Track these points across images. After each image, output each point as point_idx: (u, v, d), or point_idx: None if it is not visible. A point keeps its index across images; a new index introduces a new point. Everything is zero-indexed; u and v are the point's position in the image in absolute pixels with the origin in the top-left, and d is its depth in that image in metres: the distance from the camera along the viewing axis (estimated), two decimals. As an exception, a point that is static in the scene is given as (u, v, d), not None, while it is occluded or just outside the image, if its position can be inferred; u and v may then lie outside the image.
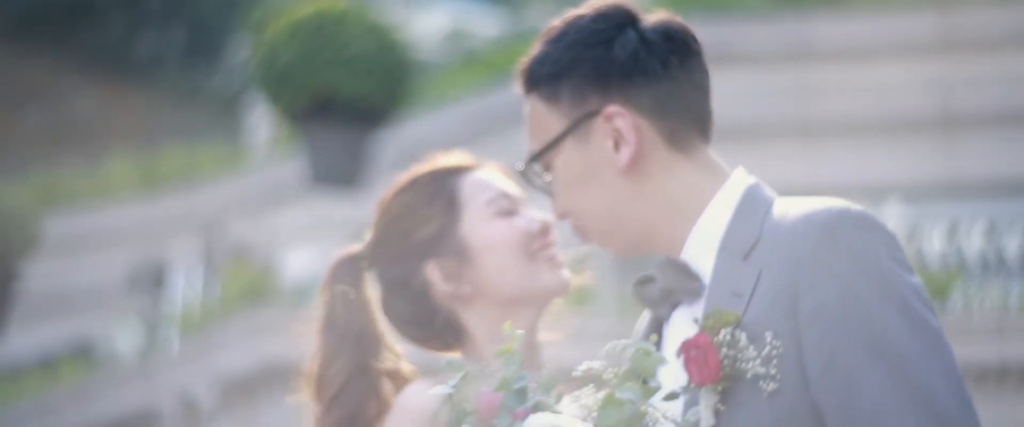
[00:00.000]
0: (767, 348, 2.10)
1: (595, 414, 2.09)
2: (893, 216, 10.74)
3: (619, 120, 2.22)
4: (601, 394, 2.11)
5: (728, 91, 11.47)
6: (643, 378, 2.11)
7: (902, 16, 12.30)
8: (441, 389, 2.09)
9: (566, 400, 2.17)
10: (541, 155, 2.25)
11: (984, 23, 12.20)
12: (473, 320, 2.42)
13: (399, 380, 2.45)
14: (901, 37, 12.25)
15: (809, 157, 12.14)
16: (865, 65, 12.25)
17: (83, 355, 12.68)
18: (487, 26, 19.98)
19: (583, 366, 2.13)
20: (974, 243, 10.92)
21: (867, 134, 12.17)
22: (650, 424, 2.10)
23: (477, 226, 2.43)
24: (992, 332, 9.85)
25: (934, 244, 10.93)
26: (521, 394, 2.09)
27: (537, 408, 2.09)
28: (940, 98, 12.19)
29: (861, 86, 12.28)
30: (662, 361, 2.10)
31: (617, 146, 2.22)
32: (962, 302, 10.25)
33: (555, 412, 2.11)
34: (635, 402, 2.08)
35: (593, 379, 2.15)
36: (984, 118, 12.10)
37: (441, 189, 2.46)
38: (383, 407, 2.42)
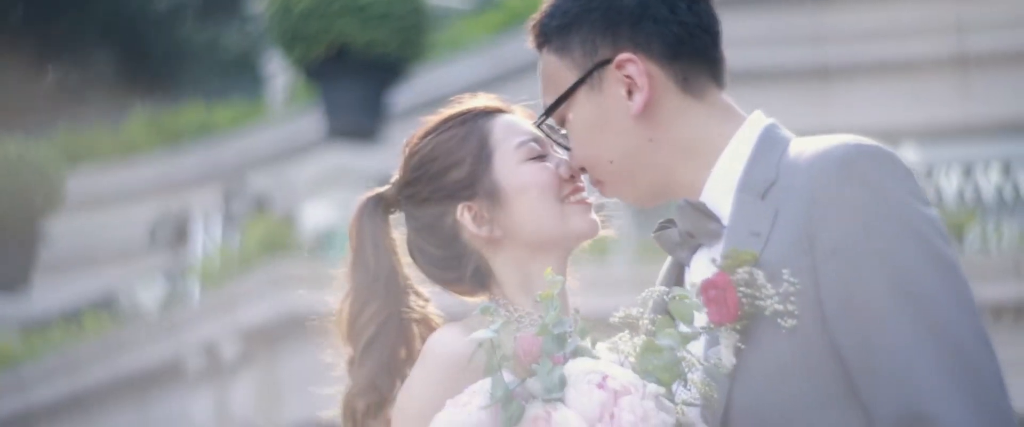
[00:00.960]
0: (785, 285, 2.12)
1: (633, 359, 2.11)
2: (909, 158, 10.75)
3: (631, 67, 2.24)
4: (639, 340, 2.12)
5: (742, 35, 11.47)
6: (678, 324, 2.13)
7: (915, -42, 12.26)
8: (480, 333, 2.08)
9: (602, 346, 2.18)
10: (555, 107, 2.28)
11: (997, -37, 12.16)
12: (501, 263, 2.40)
13: (428, 325, 2.45)
14: (914, -21, 12.21)
15: (823, 100, 12.14)
16: (879, 7, 12.22)
17: (107, 309, 12.74)
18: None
19: (620, 312, 2.15)
20: (990, 182, 10.92)
21: (881, 76, 12.16)
22: (686, 369, 2.11)
23: (508, 169, 2.40)
24: (1009, 270, 9.87)
25: (951, 184, 10.94)
26: (561, 340, 2.08)
27: (576, 353, 2.10)
28: (954, 39, 12.17)
29: (875, 28, 12.26)
30: (698, 307, 2.11)
31: (630, 93, 2.24)
32: (979, 241, 10.26)
33: (593, 358, 2.11)
34: (674, 348, 2.09)
35: (629, 325, 2.17)
36: (998, 58, 12.08)
37: (472, 131, 2.43)
38: (412, 352, 2.42)
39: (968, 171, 10.92)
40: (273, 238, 11.35)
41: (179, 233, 12.98)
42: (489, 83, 12.07)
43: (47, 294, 13.34)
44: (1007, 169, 10.95)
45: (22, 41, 18.47)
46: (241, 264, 11.44)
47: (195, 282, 12.11)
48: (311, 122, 13.08)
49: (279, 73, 15.34)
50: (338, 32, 11.64)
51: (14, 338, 12.87)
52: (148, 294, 12.57)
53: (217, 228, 12.60)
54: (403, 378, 2.40)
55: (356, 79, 11.83)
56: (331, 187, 11.32)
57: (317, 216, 11.34)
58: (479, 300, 2.44)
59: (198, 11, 20.49)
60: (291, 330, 10.59)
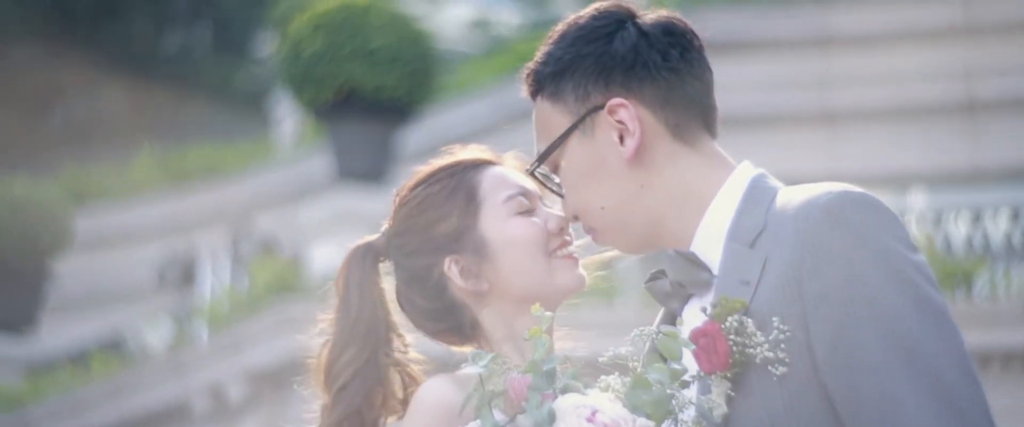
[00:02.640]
0: (775, 333, 2.13)
1: (623, 396, 2.12)
2: (917, 204, 10.74)
3: (622, 112, 2.25)
4: (629, 378, 2.14)
5: (748, 80, 11.49)
6: (668, 361, 2.14)
7: (924, 2, 12.28)
8: (469, 369, 2.09)
9: (594, 389, 2.19)
10: (548, 154, 2.29)
11: (1006, 9, 12.18)
12: (488, 316, 2.42)
13: (406, 373, 2.46)
14: (923, 24, 12.23)
15: (831, 146, 12.15)
16: (887, 52, 12.24)
17: (114, 350, 12.74)
18: (511, 15, 19.98)
19: (610, 352, 2.16)
20: (999, 229, 10.91)
21: (890, 122, 12.17)
22: (676, 407, 2.13)
23: (496, 224, 2.42)
24: (1018, 317, 9.84)
25: (959, 230, 10.93)
26: (550, 376, 2.11)
27: (565, 390, 2.11)
28: (962, 85, 12.18)
29: (883, 73, 12.28)
30: (687, 344, 2.12)
31: (622, 139, 2.25)
32: (988, 288, 10.24)
33: (583, 394, 2.13)
34: (663, 383, 2.11)
35: (619, 366, 2.18)
36: (1007, 104, 12.08)
37: (460, 185, 2.45)
38: (388, 399, 2.43)
39: (977, 217, 10.92)
40: (281, 280, 11.36)
41: (186, 274, 12.99)
42: (496, 126, 12.09)
43: (54, 335, 13.35)
44: (1016, 215, 10.94)
45: (30, 79, 18.54)
46: (248, 306, 11.45)
47: (202, 323, 12.12)
48: (319, 164, 13.11)
49: (288, 115, 15.39)
50: (347, 76, 11.69)
51: (20, 379, 12.87)
52: (155, 335, 12.58)
53: (225, 269, 12.61)
54: (374, 426, 2.41)
55: (365, 122, 11.87)
56: (339, 229, 11.34)
57: (325, 258, 11.35)
58: (466, 350, 2.45)
59: (208, 52, 20.58)
60: (298, 372, 10.55)
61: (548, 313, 2.19)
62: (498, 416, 2.10)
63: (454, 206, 2.44)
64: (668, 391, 2.11)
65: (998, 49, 12.12)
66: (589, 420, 2.07)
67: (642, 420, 2.10)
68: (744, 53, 11.54)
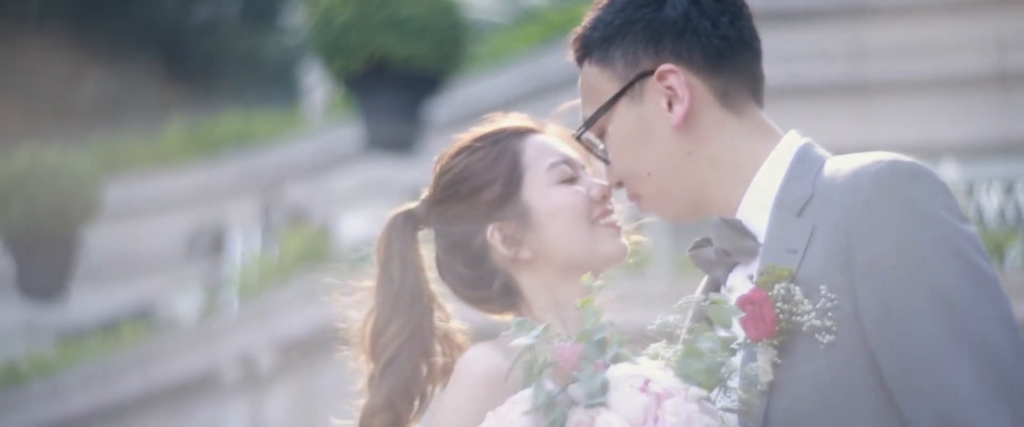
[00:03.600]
0: (822, 301, 2.12)
1: (674, 364, 2.11)
2: (949, 175, 10.72)
3: (672, 78, 2.24)
4: (678, 347, 2.13)
5: (782, 51, 11.46)
6: (717, 329, 2.14)
7: (957, -26, 12.23)
8: (521, 340, 2.10)
9: (640, 358, 2.19)
10: (596, 119, 2.29)
11: (1040, -20, 12.12)
12: (530, 284, 2.42)
13: (451, 342, 2.46)
14: (956, -5, 12.18)
15: (864, 116, 12.12)
16: (920, 23, 12.19)
17: (144, 319, 12.80)
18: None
19: (658, 320, 2.16)
20: (1031, 201, 10.87)
21: (922, 93, 12.13)
22: (726, 374, 2.12)
23: (540, 192, 2.41)
24: (1049, 290, 9.80)
25: (992, 202, 10.90)
26: (601, 345, 2.11)
27: (616, 359, 2.11)
28: (995, 56, 12.13)
29: (916, 45, 12.23)
30: (736, 312, 2.12)
31: (670, 105, 2.25)
32: (1020, 259, 10.21)
33: (634, 363, 2.12)
34: (715, 351, 2.10)
35: (666, 333, 2.17)
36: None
37: (504, 152, 2.44)
38: (434, 369, 2.42)
39: (1009, 188, 10.88)
40: (310, 249, 11.39)
41: (216, 243, 13.03)
42: (527, 96, 12.09)
43: (84, 303, 13.40)
44: (1049, 187, 10.90)
45: (60, 50, 18.58)
46: (278, 275, 11.48)
47: (232, 292, 12.16)
48: (349, 134, 13.12)
49: (318, 84, 15.40)
50: (378, 45, 11.69)
51: (51, 347, 12.94)
52: (185, 304, 12.63)
53: (254, 239, 12.65)
54: (422, 397, 2.42)
55: (395, 91, 11.87)
56: (369, 199, 11.35)
57: (354, 228, 11.37)
58: (507, 318, 2.43)
59: (237, 21, 20.58)
60: (327, 342, 10.58)
61: (599, 282, 2.19)
62: (549, 386, 2.10)
63: (498, 174, 2.43)
64: (718, 359, 2.10)
65: (1031, 20, 12.06)
66: (642, 390, 2.07)
67: (694, 389, 2.09)
68: (777, 24, 11.51)
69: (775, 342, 2.13)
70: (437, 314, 2.46)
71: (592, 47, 2.30)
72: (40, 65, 17.67)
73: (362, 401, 2.45)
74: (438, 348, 2.44)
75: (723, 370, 2.12)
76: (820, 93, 12.06)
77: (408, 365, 2.41)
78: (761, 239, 2.22)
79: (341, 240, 11.43)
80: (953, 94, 12.07)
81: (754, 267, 2.21)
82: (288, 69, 18.76)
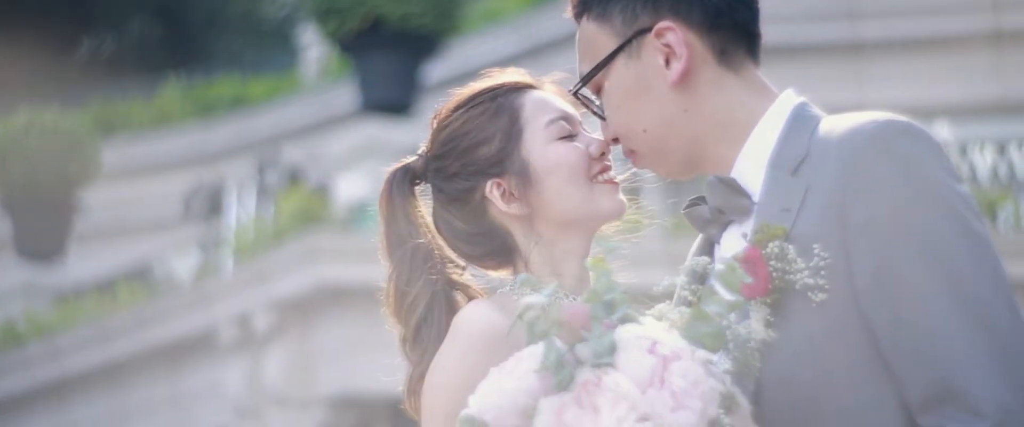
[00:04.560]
0: (815, 260, 2.13)
1: (682, 328, 2.12)
2: (943, 135, 10.73)
3: (670, 35, 2.25)
4: (685, 309, 2.14)
5: (779, 11, 11.45)
6: (723, 292, 2.14)
7: (952, -66, 12.22)
8: (533, 298, 2.09)
9: (647, 318, 2.19)
10: (593, 74, 2.29)
11: (1034, -60, 12.11)
12: (528, 240, 2.41)
13: (468, 294, 2.44)
14: (951, -45, 12.17)
15: (858, 76, 12.12)
16: (914, -16, 12.19)
17: (141, 279, 12.80)
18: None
19: (665, 282, 2.16)
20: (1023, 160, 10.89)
21: (917, 53, 12.13)
22: (731, 337, 2.13)
23: (538, 147, 2.41)
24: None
25: (985, 161, 10.91)
26: (610, 305, 2.09)
27: (624, 319, 2.11)
28: (990, 16, 12.13)
29: (911, 4, 12.23)
30: (745, 277, 2.12)
31: (668, 62, 2.25)
32: (1012, 219, 10.24)
33: (641, 324, 2.12)
34: (722, 315, 2.11)
35: (670, 296, 2.18)
36: (1034, 36, 12.03)
37: (502, 108, 2.44)
38: None
39: (1002, 148, 10.90)
40: (306, 210, 11.40)
41: (213, 204, 13.03)
42: (522, 57, 12.08)
43: (81, 264, 13.42)
44: (1042, 147, 10.91)
45: (58, 12, 18.52)
46: (274, 236, 11.49)
47: (228, 253, 12.17)
48: (345, 95, 13.12)
49: (313, 46, 15.38)
50: (372, 5, 11.66)
51: (49, 308, 12.95)
52: (182, 265, 12.64)
53: (251, 200, 12.65)
54: None
55: (390, 52, 11.86)
56: (364, 160, 11.36)
57: (350, 188, 11.37)
58: (503, 275, 2.44)
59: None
60: (324, 302, 10.63)
61: (611, 243, 2.18)
62: (557, 342, 2.10)
63: (496, 129, 2.43)
64: (724, 323, 2.11)
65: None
66: (650, 351, 2.06)
67: (700, 351, 2.09)
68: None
69: (768, 300, 2.14)
70: (452, 267, 2.45)
71: (591, 3, 2.30)
72: (38, 26, 17.62)
73: (401, 365, 2.43)
74: (463, 301, 2.43)
75: (729, 333, 2.12)
76: (816, 53, 12.06)
77: (438, 324, 2.40)
78: (756, 197, 2.22)
79: (337, 201, 11.44)
80: (948, 54, 12.07)
81: (748, 225, 2.21)
82: (285, 31, 18.72)
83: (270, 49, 18.19)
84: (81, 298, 12.79)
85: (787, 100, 2.29)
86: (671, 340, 2.08)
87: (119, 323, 12.10)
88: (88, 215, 13.57)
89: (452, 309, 2.42)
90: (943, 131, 10.70)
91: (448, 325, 2.39)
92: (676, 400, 2.04)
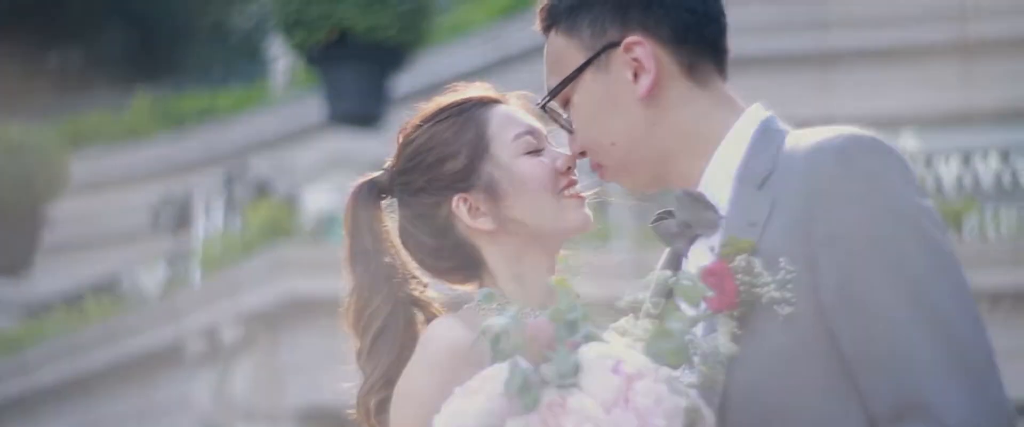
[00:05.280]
0: (782, 273, 2.14)
1: (643, 344, 2.13)
2: (909, 146, 10.78)
3: (639, 49, 2.26)
4: (647, 324, 2.14)
5: (747, 21, 11.49)
6: (683, 307, 2.14)
7: (917, -55, 12.28)
8: (497, 320, 2.08)
9: (609, 333, 2.19)
10: (561, 88, 2.30)
11: (999, -49, 12.18)
12: (494, 254, 2.41)
13: (428, 311, 2.45)
14: (916, -34, 12.23)
15: (826, 86, 12.17)
16: (880, -5, 12.25)
17: (109, 292, 12.77)
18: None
19: (627, 297, 2.17)
20: (989, 170, 10.95)
21: (884, 63, 12.18)
22: (695, 352, 2.13)
23: (505, 162, 2.41)
24: (1007, 258, 9.89)
25: (950, 171, 10.96)
26: (573, 325, 2.09)
27: (588, 338, 2.11)
28: (956, 26, 12.19)
29: (878, 15, 12.28)
30: (706, 291, 2.13)
31: (636, 76, 2.26)
32: (977, 229, 10.29)
33: (604, 343, 2.12)
34: (684, 331, 2.12)
35: (635, 310, 2.18)
36: (1000, 46, 12.10)
37: (469, 122, 2.44)
38: (416, 340, 2.40)
39: (967, 158, 10.95)
40: (274, 223, 11.38)
41: (181, 217, 13.01)
42: (490, 68, 12.10)
43: (49, 278, 13.38)
44: (1006, 157, 10.97)
45: (27, 24, 18.46)
46: (242, 248, 11.47)
47: (196, 266, 12.14)
48: (313, 107, 13.11)
49: (281, 58, 15.37)
50: (339, 17, 11.66)
51: (17, 322, 12.91)
52: (150, 278, 12.61)
53: (219, 212, 12.63)
54: None
55: (358, 64, 11.86)
56: (332, 172, 11.35)
57: (318, 201, 11.36)
58: (468, 289, 2.44)
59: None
60: (291, 314, 10.61)
61: (572, 262, 2.19)
62: (523, 365, 2.09)
63: (463, 144, 2.43)
64: (687, 338, 2.12)
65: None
66: (614, 371, 2.07)
67: (664, 369, 2.09)
68: (737, -5, 11.54)
69: (735, 314, 2.15)
70: (413, 283, 2.45)
71: (559, 16, 2.31)
72: (6, 38, 17.56)
73: (356, 379, 2.43)
74: (421, 318, 2.44)
75: (691, 348, 2.13)
76: (783, 63, 12.10)
77: (397, 339, 2.40)
78: (723, 211, 2.23)
79: (305, 213, 11.43)
80: (914, 65, 12.12)
81: (716, 239, 2.22)
82: (254, 43, 18.70)
83: (238, 61, 18.17)
84: (49, 312, 12.76)
85: (754, 114, 2.30)
86: (635, 358, 2.09)
87: (87, 337, 12.06)
88: (56, 229, 13.53)
89: (410, 324, 2.43)
90: (909, 141, 10.75)
91: (405, 340, 2.40)
92: (640, 419, 2.04)
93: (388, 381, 2.40)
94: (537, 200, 2.41)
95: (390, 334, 2.42)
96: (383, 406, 2.40)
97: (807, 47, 12.22)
